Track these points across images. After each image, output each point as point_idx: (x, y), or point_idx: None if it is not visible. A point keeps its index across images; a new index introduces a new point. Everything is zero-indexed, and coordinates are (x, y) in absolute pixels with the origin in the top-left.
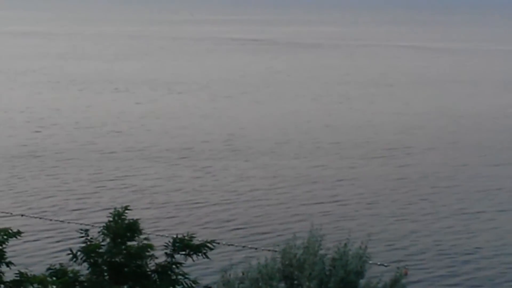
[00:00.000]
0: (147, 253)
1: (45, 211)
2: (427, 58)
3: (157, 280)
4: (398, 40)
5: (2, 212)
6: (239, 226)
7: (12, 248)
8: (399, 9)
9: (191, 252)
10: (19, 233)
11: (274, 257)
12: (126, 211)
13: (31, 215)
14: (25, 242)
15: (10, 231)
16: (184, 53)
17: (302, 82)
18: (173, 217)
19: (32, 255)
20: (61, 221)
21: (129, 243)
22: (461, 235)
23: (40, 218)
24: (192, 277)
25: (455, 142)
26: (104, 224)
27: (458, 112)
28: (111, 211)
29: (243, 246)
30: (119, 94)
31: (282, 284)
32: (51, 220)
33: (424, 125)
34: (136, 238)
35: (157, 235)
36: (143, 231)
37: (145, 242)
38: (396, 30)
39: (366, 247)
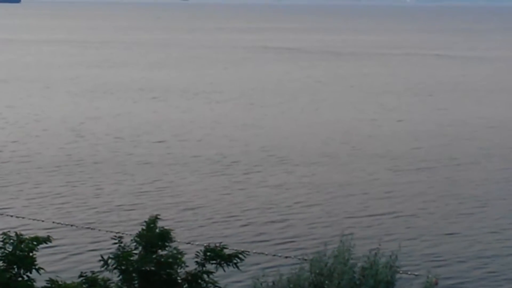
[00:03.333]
0: (178, 262)
1: (79, 219)
2: (465, 67)
3: None
4: (434, 49)
5: (34, 220)
6: (271, 236)
7: (43, 255)
8: (433, 17)
9: (222, 262)
10: (48, 239)
11: (304, 267)
12: (157, 220)
13: (63, 223)
14: (56, 249)
15: (40, 237)
16: (219, 61)
17: (340, 92)
18: (207, 226)
19: (63, 263)
20: (92, 228)
21: (160, 251)
22: (496, 248)
23: (72, 225)
24: (222, 286)
25: (498, 154)
26: (137, 232)
27: (501, 123)
28: (145, 219)
29: (273, 255)
30: (156, 103)
31: None
32: (82, 227)
33: (465, 135)
34: (168, 247)
35: (187, 243)
36: (175, 240)
37: (175, 251)
38: (431, 39)
39: (396, 256)
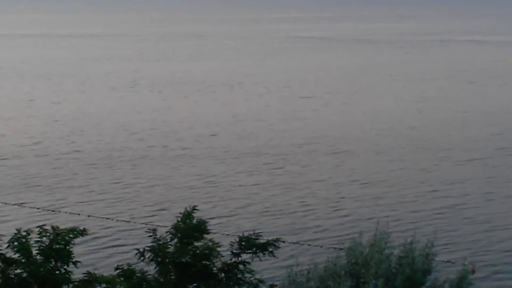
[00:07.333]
0: (214, 253)
1: (119, 212)
2: (505, 52)
3: (224, 279)
4: (472, 35)
5: (71, 213)
6: (306, 224)
7: (80, 248)
8: (468, 2)
9: (257, 251)
10: (85, 231)
11: (341, 255)
12: (194, 211)
13: (99, 216)
14: (93, 242)
15: (76, 230)
16: (256, 52)
17: (380, 81)
18: (246, 217)
19: (100, 256)
20: (127, 221)
21: (196, 243)
22: None
23: (107, 218)
24: (258, 275)
25: None
26: (173, 224)
27: None
28: (181, 211)
29: (309, 244)
30: (196, 96)
31: (348, 282)
32: (118, 220)
33: (511, 124)
34: (203, 238)
35: (222, 234)
36: (210, 231)
37: (209, 243)
38: (467, 24)
39: (432, 244)
